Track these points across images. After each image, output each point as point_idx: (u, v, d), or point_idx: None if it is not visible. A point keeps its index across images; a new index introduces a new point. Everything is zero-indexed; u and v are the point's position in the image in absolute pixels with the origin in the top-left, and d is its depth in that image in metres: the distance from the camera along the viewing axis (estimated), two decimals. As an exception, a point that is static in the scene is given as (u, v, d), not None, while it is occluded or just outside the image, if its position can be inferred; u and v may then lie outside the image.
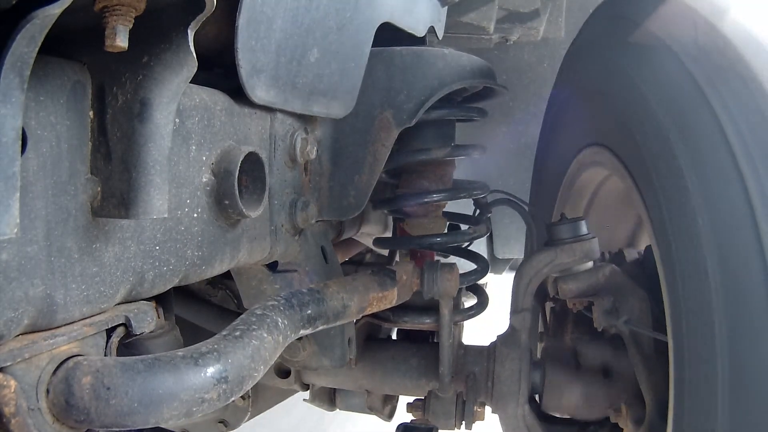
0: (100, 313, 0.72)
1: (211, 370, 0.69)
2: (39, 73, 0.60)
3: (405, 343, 1.60)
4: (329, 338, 1.22)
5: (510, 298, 1.51)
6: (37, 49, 0.50)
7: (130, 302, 0.78)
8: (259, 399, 1.61)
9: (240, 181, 0.86)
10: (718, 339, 0.92)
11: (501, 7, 2.16)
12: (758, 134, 0.95)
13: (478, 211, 1.55)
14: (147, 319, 0.76)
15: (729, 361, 0.91)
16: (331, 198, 1.17)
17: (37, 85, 0.60)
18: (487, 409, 1.51)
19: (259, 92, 0.89)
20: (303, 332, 0.93)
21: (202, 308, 1.46)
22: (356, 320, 1.30)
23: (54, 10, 0.48)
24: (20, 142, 0.50)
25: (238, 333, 0.76)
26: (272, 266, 1.14)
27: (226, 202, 0.85)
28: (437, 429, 1.47)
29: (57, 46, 0.62)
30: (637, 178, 1.17)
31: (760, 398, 0.88)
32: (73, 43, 0.64)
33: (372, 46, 1.13)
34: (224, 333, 0.76)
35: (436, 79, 1.19)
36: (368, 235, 1.81)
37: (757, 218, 0.91)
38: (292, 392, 1.69)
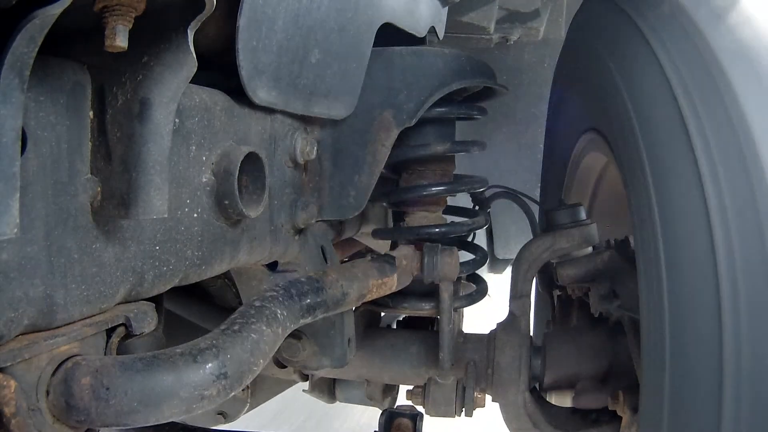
0: (100, 314, 0.72)
1: (210, 367, 0.68)
2: (39, 73, 0.60)
3: (405, 331, 1.59)
4: (329, 338, 1.22)
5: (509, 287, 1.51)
6: (37, 49, 0.50)
7: (130, 302, 0.78)
8: (258, 390, 1.61)
9: (240, 181, 0.86)
10: (666, 324, 0.96)
11: (501, 7, 2.16)
12: (716, 121, 0.95)
13: (477, 207, 1.56)
14: (147, 320, 0.76)
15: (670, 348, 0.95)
16: (331, 198, 1.17)
17: (37, 86, 0.60)
18: (488, 397, 1.50)
19: (260, 93, 0.89)
20: (303, 322, 0.92)
21: (200, 306, 1.46)
22: (355, 308, 1.30)
23: (54, 10, 0.48)
24: (20, 143, 0.50)
25: (236, 327, 0.75)
26: (272, 266, 1.14)
27: (226, 202, 0.85)
28: (422, 416, 1.46)
29: (57, 46, 0.62)
30: (620, 166, 1.18)
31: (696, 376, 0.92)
32: (73, 43, 0.64)
33: (372, 46, 1.13)
34: (223, 327, 0.76)
35: (437, 78, 1.19)
36: (368, 234, 1.81)
37: (710, 212, 0.92)
38: (292, 383, 1.69)
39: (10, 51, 0.48)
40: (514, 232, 2.89)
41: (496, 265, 3.13)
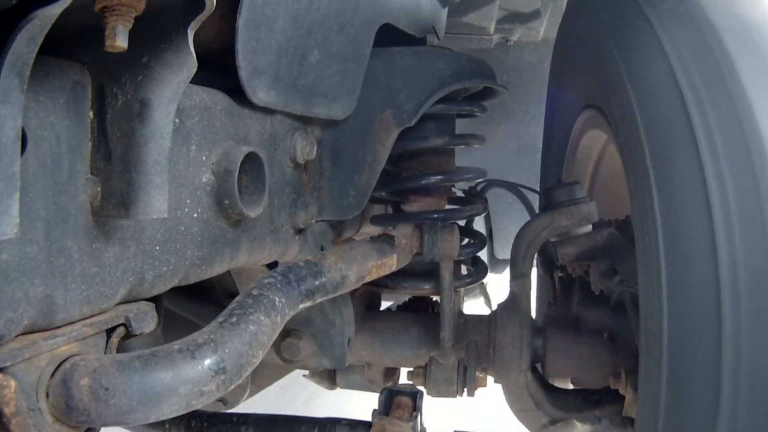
0: (100, 314, 0.72)
1: (208, 362, 0.68)
2: (39, 73, 0.60)
3: (405, 314, 1.59)
4: (329, 338, 1.22)
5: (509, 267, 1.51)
6: (37, 49, 0.50)
7: (130, 302, 0.78)
8: (258, 376, 1.60)
9: (240, 181, 0.86)
10: (664, 302, 0.96)
11: (501, 8, 2.16)
12: (716, 96, 0.94)
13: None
14: (147, 320, 0.76)
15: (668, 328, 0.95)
16: (331, 198, 1.17)
17: (37, 85, 0.60)
18: (489, 379, 1.50)
19: (260, 94, 0.89)
20: (302, 307, 0.91)
21: (199, 304, 1.46)
22: (355, 289, 1.29)
23: (54, 10, 0.48)
24: (20, 142, 0.50)
25: (234, 319, 0.75)
26: (272, 266, 1.14)
27: (226, 202, 0.85)
28: (422, 393, 1.46)
29: (57, 46, 0.62)
30: (618, 143, 1.18)
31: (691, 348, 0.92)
32: (73, 43, 0.64)
33: (372, 46, 1.13)
34: (220, 319, 0.75)
35: (437, 79, 1.19)
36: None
37: (711, 200, 0.92)
38: (292, 369, 1.69)
39: (10, 51, 0.48)
40: (514, 231, 2.89)
41: (496, 265, 3.13)
